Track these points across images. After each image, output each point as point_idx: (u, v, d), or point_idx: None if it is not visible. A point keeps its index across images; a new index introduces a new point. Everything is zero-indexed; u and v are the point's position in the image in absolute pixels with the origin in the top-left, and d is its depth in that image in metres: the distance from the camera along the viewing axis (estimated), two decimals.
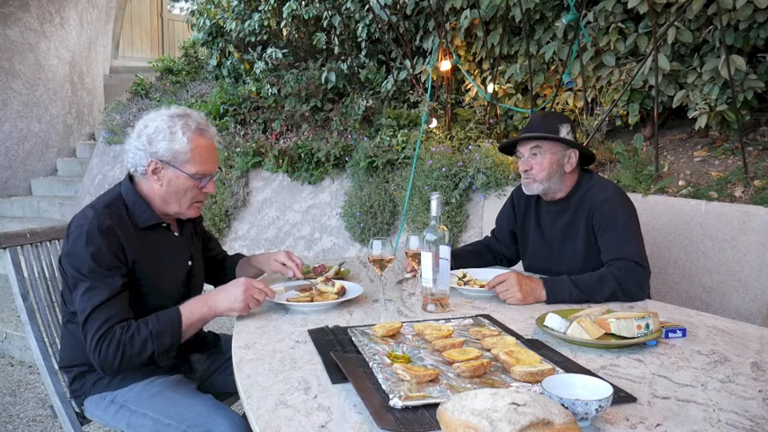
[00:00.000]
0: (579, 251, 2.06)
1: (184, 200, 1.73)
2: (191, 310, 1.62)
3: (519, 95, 4.01)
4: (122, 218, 1.66)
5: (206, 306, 1.65)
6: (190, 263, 1.85)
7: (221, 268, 2.09)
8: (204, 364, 1.92)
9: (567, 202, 2.10)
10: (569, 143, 2.05)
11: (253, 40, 5.91)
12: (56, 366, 1.89)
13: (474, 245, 2.45)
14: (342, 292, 1.85)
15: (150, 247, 1.70)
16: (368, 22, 5.01)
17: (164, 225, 1.77)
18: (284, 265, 1.97)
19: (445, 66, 4.19)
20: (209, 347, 1.95)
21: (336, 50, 5.33)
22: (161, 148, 1.67)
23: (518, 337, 1.46)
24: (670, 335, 1.48)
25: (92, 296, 1.55)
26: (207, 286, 1.98)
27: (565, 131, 2.04)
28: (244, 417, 1.48)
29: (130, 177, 1.76)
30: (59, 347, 1.87)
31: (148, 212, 1.71)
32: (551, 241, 2.15)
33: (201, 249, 2.00)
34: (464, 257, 2.25)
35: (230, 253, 2.18)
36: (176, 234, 1.83)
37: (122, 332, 1.53)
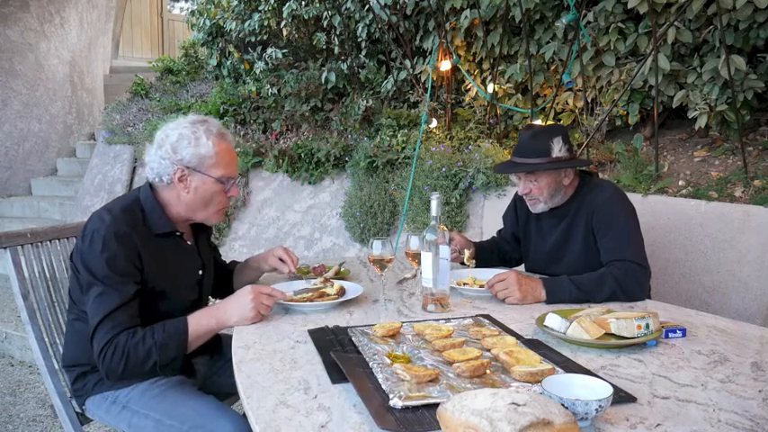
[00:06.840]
0: (579, 253, 2.06)
1: (211, 205, 1.75)
2: (198, 323, 1.61)
3: (519, 95, 4.01)
4: (138, 223, 1.66)
5: (214, 319, 1.63)
6: (201, 272, 1.85)
7: (229, 276, 2.09)
8: (206, 365, 1.92)
9: (567, 207, 2.10)
10: (563, 162, 2.01)
11: (253, 40, 5.90)
12: (56, 366, 1.89)
13: (485, 242, 2.45)
14: (342, 292, 1.85)
15: (163, 255, 1.70)
16: (368, 22, 5.01)
17: (177, 233, 1.78)
18: (282, 261, 1.98)
19: (445, 66, 4.18)
20: (211, 349, 1.95)
21: (336, 50, 5.33)
22: (187, 154, 1.68)
23: (518, 337, 1.46)
24: (670, 335, 1.48)
25: (103, 302, 1.55)
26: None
27: (557, 148, 1.99)
28: (244, 416, 1.48)
29: (150, 185, 1.75)
30: (64, 345, 1.87)
31: (164, 220, 1.72)
32: (552, 245, 2.15)
33: (213, 258, 2.00)
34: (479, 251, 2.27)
35: (230, 255, 2.18)
36: (189, 243, 1.84)
37: (128, 339, 1.53)
